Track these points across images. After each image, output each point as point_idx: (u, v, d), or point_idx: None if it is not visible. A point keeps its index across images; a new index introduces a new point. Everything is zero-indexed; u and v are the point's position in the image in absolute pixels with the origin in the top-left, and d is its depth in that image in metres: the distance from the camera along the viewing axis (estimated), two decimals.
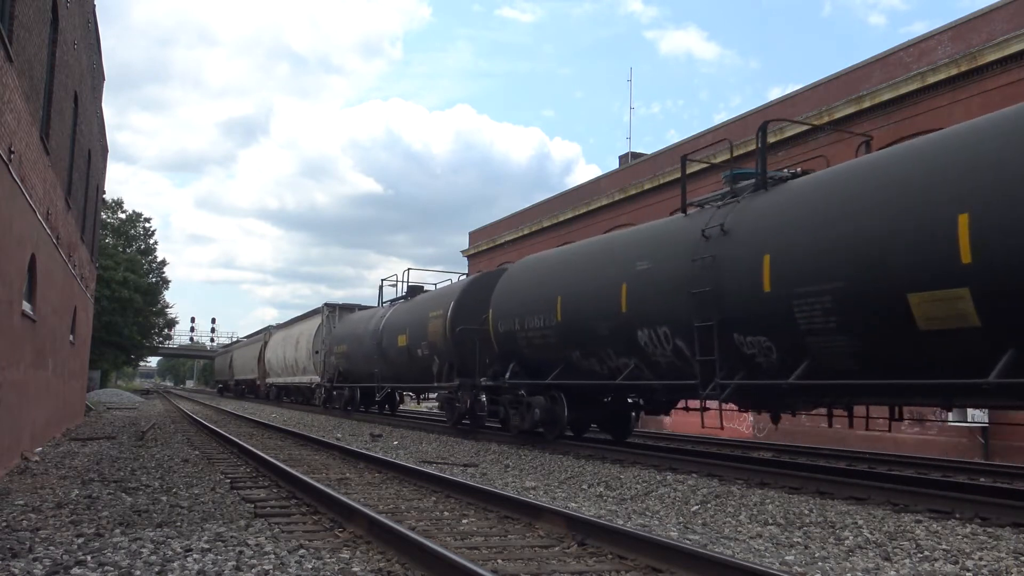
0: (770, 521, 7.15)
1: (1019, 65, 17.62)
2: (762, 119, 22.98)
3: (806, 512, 7.59)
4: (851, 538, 6.34)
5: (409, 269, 27.04)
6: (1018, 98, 15.36)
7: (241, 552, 5.24)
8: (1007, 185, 7.13)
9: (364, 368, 24.62)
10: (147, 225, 57.02)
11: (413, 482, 9.17)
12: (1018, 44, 17.45)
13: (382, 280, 28.75)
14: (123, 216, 55.34)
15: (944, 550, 5.93)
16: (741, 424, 22.95)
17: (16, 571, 4.69)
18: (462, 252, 45.50)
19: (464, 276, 24.02)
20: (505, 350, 15.63)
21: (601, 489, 9.20)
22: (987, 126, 7.85)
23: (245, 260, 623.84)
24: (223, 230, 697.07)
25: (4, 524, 6.19)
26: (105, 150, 25.32)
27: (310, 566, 4.92)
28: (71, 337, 17.56)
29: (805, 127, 21.18)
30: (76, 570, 4.75)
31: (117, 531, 5.97)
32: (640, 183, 29.97)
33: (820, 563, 5.41)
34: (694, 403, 12.91)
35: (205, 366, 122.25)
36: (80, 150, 16.96)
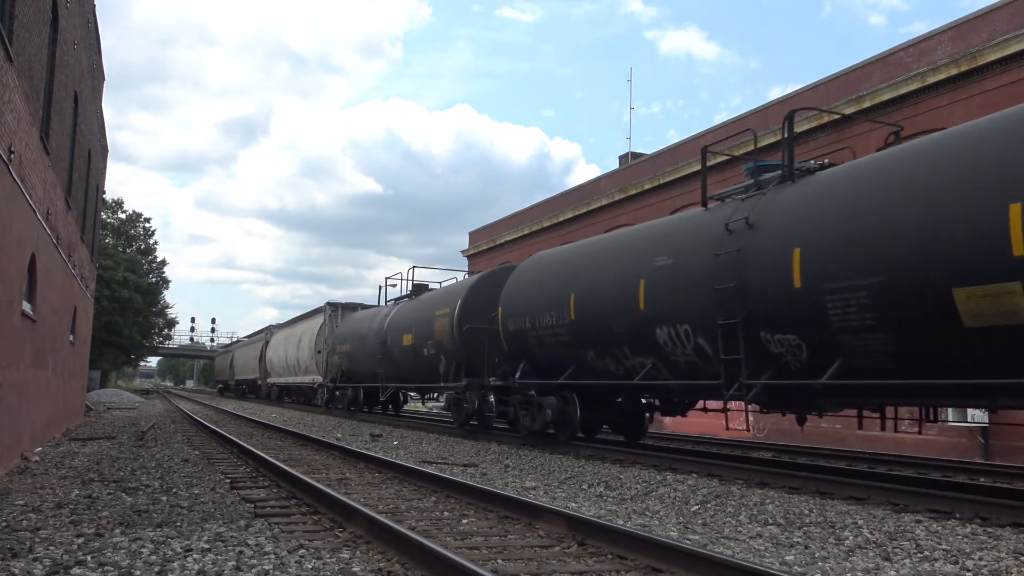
0: (770, 521, 7.15)
1: (1019, 65, 17.61)
2: (762, 119, 23.03)
3: (806, 512, 7.59)
4: (851, 538, 6.34)
5: (414, 267, 26.73)
6: (1018, 98, 15.35)
7: (241, 552, 5.24)
8: None
9: (368, 368, 24.44)
10: (147, 225, 57.08)
11: (413, 482, 9.17)
12: (1018, 44, 17.44)
13: (386, 278, 28.69)
14: (123, 216, 55.37)
15: (944, 550, 5.93)
16: (741, 424, 22.95)
17: (16, 571, 4.69)
18: (462, 252, 45.51)
19: (470, 274, 23.92)
20: (515, 349, 15.32)
21: (601, 489, 9.20)
22: None
23: (245, 260, 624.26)
24: (223, 230, 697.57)
25: (4, 524, 6.19)
26: (105, 150, 25.32)
27: (310, 566, 4.92)
28: (71, 337, 17.56)
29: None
30: (76, 570, 4.75)
31: (117, 531, 5.97)
32: (640, 183, 29.96)
33: (820, 563, 5.41)
34: (712, 404, 12.62)
35: (205, 366, 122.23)
36: (80, 150, 16.96)
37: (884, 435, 17.89)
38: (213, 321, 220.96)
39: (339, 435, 16.96)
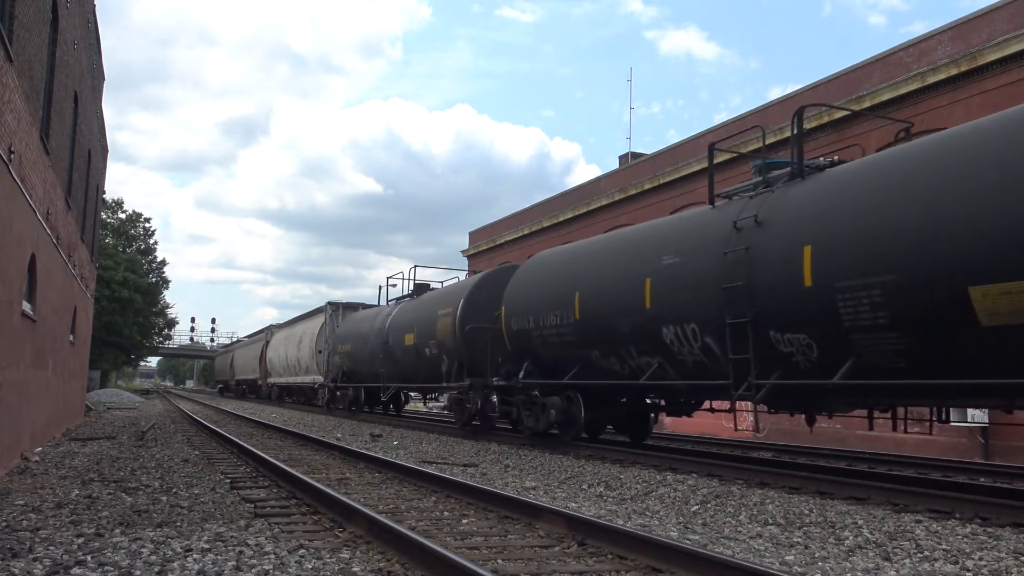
0: (770, 521, 7.15)
1: (1019, 65, 17.61)
2: (762, 119, 23.01)
3: (806, 512, 7.59)
4: (851, 538, 6.34)
5: (415, 267, 26.48)
6: (1018, 98, 15.35)
7: (241, 552, 5.24)
8: None
9: (369, 368, 24.37)
10: (147, 225, 57.05)
11: (413, 482, 9.17)
12: (1018, 44, 17.44)
13: (387, 278, 28.59)
14: (123, 216, 55.35)
15: (944, 550, 5.93)
16: (741, 424, 22.93)
17: (16, 571, 4.69)
18: (462, 252, 45.51)
19: (470, 274, 23.84)
20: (518, 349, 15.21)
21: (601, 489, 9.20)
22: None
23: (245, 260, 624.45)
24: (223, 230, 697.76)
25: (4, 524, 6.19)
26: (105, 150, 25.32)
27: (310, 566, 4.92)
28: (71, 337, 17.56)
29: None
30: (76, 570, 4.75)
31: (117, 531, 5.97)
32: (640, 183, 29.96)
33: (820, 563, 5.41)
34: (718, 404, 12.51)
35: (205, 366, 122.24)
36: (80, 150, 16.96)
37: (884, 435, 17.88)
38: (213, 321, 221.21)
39: (339, 435, 16.96)
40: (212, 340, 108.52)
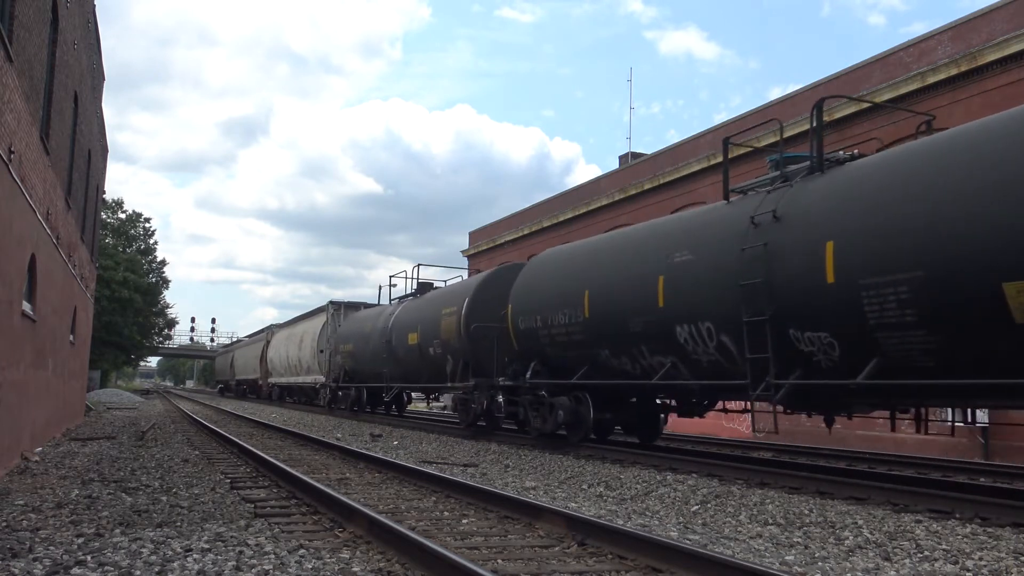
0: (770, 521, 7.15)
1: (1019, 65, 17.61)
2: (762, 118, 23.02)
3: (806, 512, 7.59)
4: (851, 538, 6.34)
5: (419, 265, 26.26)
6: (1019, 98, 15.36)
7: (241, 552, 5.24)
8: None
9: (371, 367, 24.21)
10: (147, 225, 57.07)
11: (413, 482, 9.17)
12: (1018, 44, 17.45)
13: (390, 276, 28.42)
14: (123, 216, 55.37)
15: (944, 550, 5.93)
16: (741, 424, 22.95)
17: (16, 571, 4.69)
18: (462, 252, 45.53)
19: (471, 274, 23.74)
20: (525, 348, 15.01)
21: (601, 489, 9.20)
22: None
23: (245, 260, 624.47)
24: (223, 230, 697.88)
25: (4, 524, 6.19)
26: (105, 150, 25.33)
27: (310, 566, 4.92)
28: (71, 337, 17.56)
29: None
30: (76, 570, 4.75)
31: (117, 531, 5.97)
32: (640, 183, 29.97)
33: (820, 563, 5.41)
34: (731, 404, 12.42)
35: (205, 366, 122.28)
36: (80, 150, 16.96)
37: (884, 435, 17.88)
38: (213, 321, 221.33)
39: (339, 435, 16.96)
40: (212, 340, 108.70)
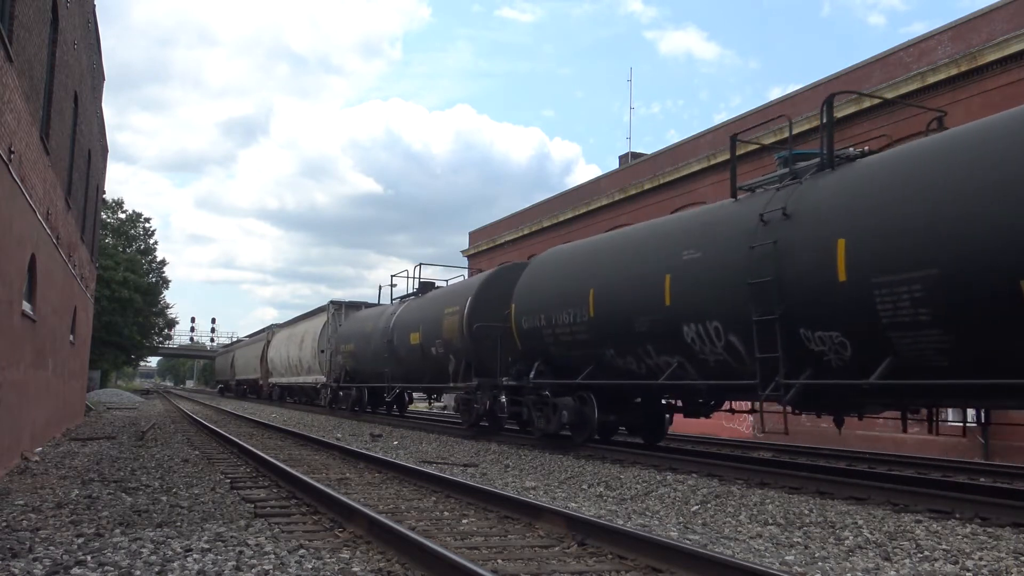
0: (770, 521, 7.15)
1: (1019, 65, 17.61)
2: (762, 118, 23.02)
3: (806, 512, 7.59)
4: (851, 538, 6.34)
5: (420, 264, 26.11)
6: (1018, 98, 15.35)
7: (241, 552, 5.24)
8: None
9: (373, 367, 24.09)
10: (147, 225, 57.07)
11: (413, 482, 9.17)
12: (1018, 44, 17.44)
13: (392, 276, 28.42)
14: (123, 216, 55.37)
15: (944, 550, 5.93)
16: (741, 424, 22.95)
17: (16, 571, 4.69)
18: (462, 252, 45.52)
19: (471, 274, 23.67)
20: (529, 348, 14.89)
21: (601, 489, 9.20)
22: None
23: (245, 260, 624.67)
24: (223, 230, 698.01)
25: (4, 524, 6.19)
26: (105, 150, 25.33)
27: (310, 566, 4.92)
28: (71, 337, 17.56)
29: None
30: (76, 570, 4.75)
31: (117, 531, 5.97)
32: (640, 183, 29.97)
33: (820, 563, 5.41)
34: (739, 405, 12.32)
35: (205, 366, 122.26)
36: (80, 150, 16.96)
37: (884, 435, 17.89)
38: (213, 321, 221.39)
39: (339, 435, 16.96)
40: (212, 340, 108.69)
